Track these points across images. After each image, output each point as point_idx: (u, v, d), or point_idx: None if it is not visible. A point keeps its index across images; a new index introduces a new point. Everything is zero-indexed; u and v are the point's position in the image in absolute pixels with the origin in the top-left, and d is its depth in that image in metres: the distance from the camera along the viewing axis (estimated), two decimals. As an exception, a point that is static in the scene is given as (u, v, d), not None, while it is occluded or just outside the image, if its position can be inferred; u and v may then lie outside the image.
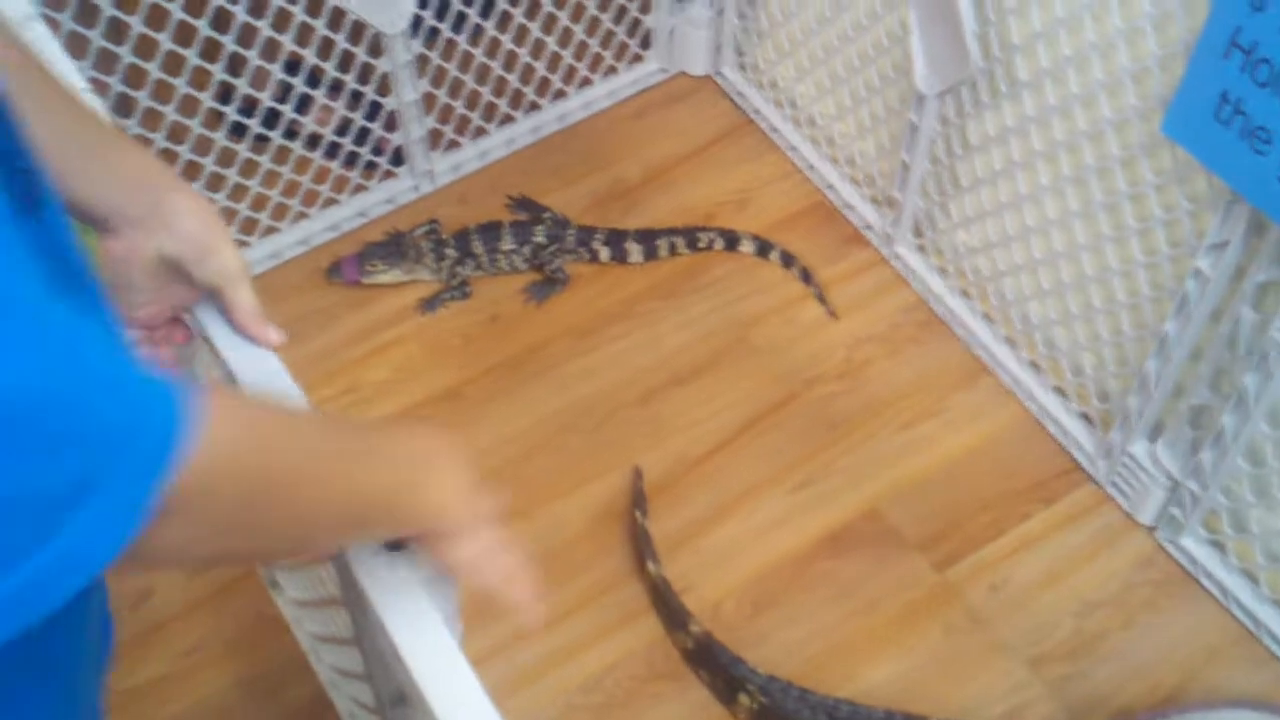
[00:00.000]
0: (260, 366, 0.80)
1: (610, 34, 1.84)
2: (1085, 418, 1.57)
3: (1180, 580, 1.48)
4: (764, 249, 1.75)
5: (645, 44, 1.91)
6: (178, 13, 1.43)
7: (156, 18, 1.42)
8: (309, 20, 1.53)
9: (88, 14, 1.40)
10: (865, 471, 1.57)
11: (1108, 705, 1.38)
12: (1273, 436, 1.29)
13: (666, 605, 1.43)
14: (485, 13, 1.70)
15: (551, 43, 1.77)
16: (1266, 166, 1.07)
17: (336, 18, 1.55)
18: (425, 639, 0.69)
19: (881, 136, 1.70)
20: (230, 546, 0.58)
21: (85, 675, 0.69)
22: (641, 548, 1.47)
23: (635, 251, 1.73)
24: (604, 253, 1.73)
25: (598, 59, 1.86)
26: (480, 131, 1.82)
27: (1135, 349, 1.45)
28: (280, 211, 1.71)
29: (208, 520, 0.53)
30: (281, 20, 1.52)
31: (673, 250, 1.74)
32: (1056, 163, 1.43)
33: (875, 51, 1.63)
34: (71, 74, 0.94)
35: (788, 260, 1.74)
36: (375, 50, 1.60)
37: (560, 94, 1.87)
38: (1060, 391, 1.59)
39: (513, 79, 1.79)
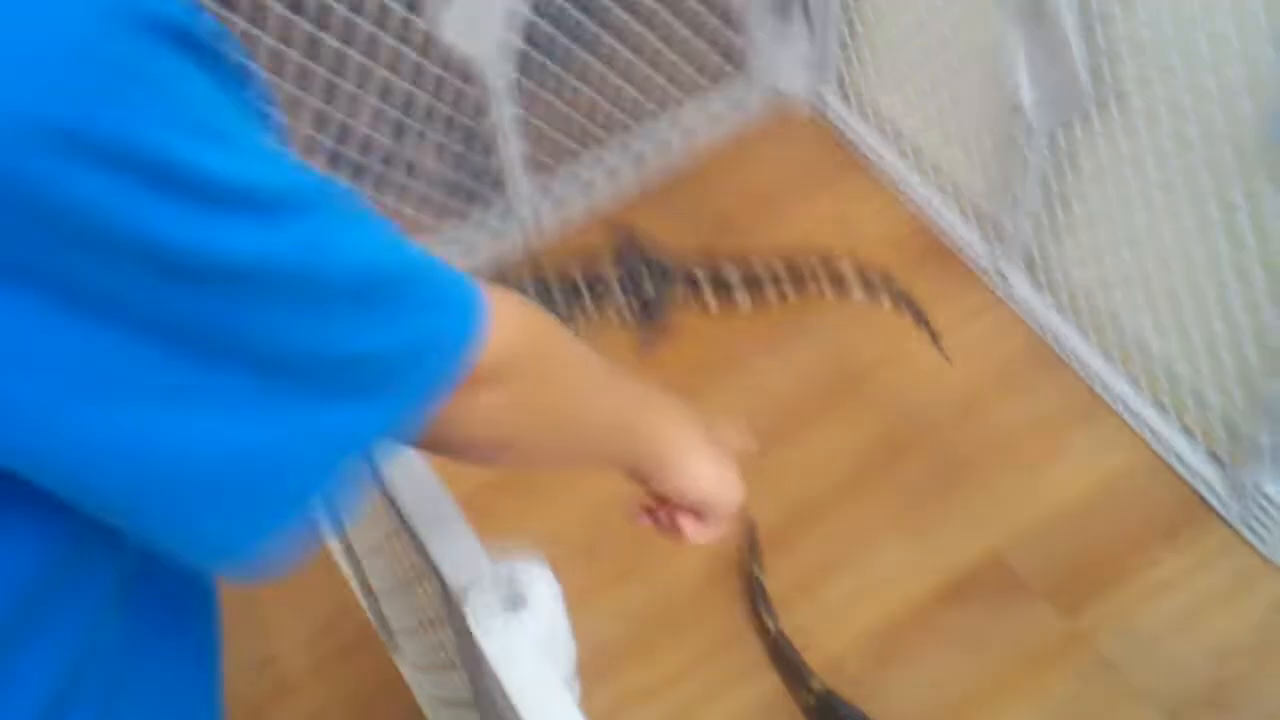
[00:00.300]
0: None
1: (704, 55, 1.83)
2: (1214, 456, 1.52)
3: (1323, 621, 1.42)
4: (874, 291, 1.73)
5: (740, 66, 1.89)
6: (270, 41, 1.48)
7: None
8: (402, 48, 1.56)
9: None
10: (986, 517, 1.53)
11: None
12: None
13: (786, 661, 1.41)
14: (576, 35, 1.71)
15: (643, 65, 1.77)
16: None
17: (429, 45, 1.58)
18: (544, 701, 0.68)
19: (991, 169, 1.67)
20: (522, 430, 0.67)
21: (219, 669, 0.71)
22: (758, 603, 1.46)
23: (744, 299, 1.73)
24: (711, 301, 1.73)
25: (691, 81, 1.85)
26: (576, 157, 1.81)
27: (1264, 382, 1.40)
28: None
29: (509, 392, 0.63)
30: (375, 49, 1.55)
31: (780, 294, 1.73)
32: (1175, 191, 1.39)
33: (986, 81, 1.60)
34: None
35: (899, 302, 1.72)
36: (468, 77, 1.62)
37: (654, 116, 1.85)
38: (1187, 429, 1.54)
39: (606, 102, 1.79)
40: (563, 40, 1.70)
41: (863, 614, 1.47)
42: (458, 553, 0.76)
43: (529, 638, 0.72)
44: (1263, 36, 1.20)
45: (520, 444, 0.68)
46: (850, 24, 1.81)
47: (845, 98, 1.90)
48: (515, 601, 0.73)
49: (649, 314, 1.72)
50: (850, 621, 1.46)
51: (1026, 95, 1.48)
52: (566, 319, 1.71)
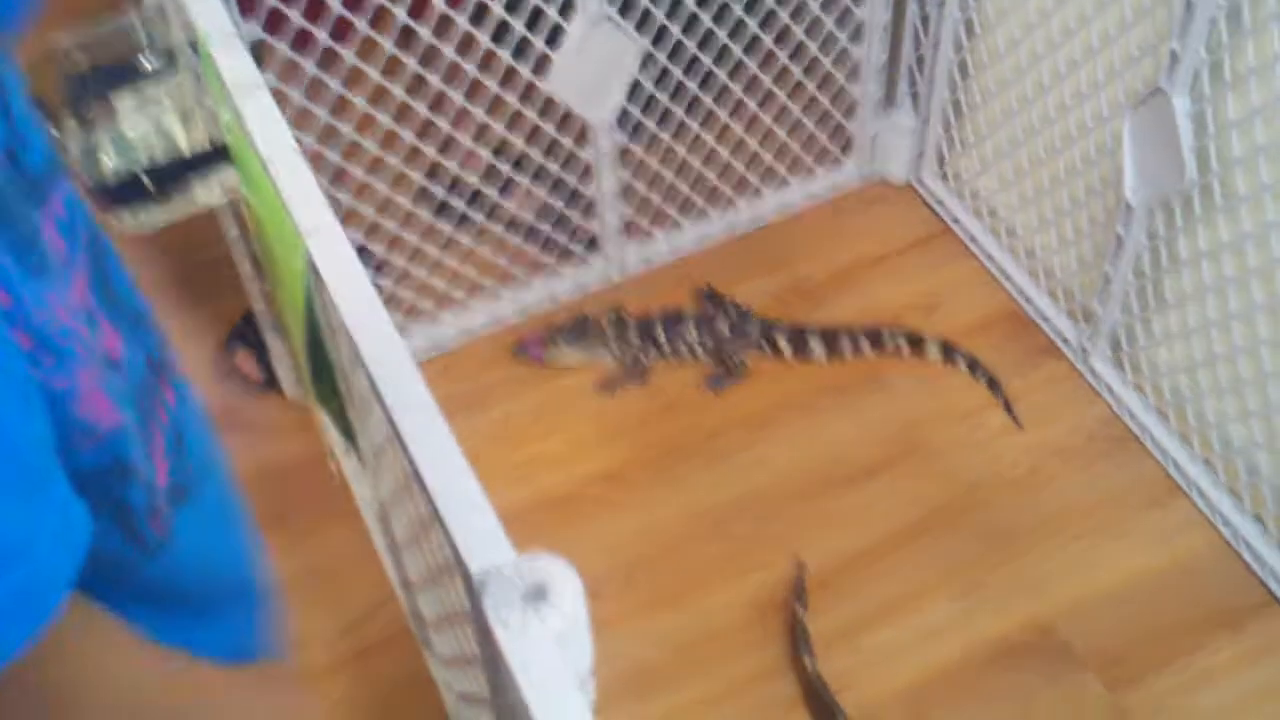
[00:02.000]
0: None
1: (812, 137, 1.87)
2: (1283, 548, 1.48)
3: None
4: (950, 354, 1.73)
5: (846, 149, 1.92)
6: (399, 93, 1.52)
7: (379, 96, 1.51)
8: (521, 108, 1.60)
9: (316, 89, 1.50)
10: (1040, 585, 1.51)
11: None
12: None
13: (820, 702, 1.40)
14: (690, 109, 1.75)
15: (753, 142, 1.81)
16: None
17: (547, 106, 1.62)
18: (557, 698, 0.69)
19: (1084, 249, 1.66)
20: None
21: None
22: (798, 642, 1.45)
23: (818, 349, 1.73)
24: (786, 348, 1.74)
25: (797, 160, 1.89)
26: (674, 224, 1.86)
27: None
28: (475, 289, 1.78)
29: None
30: (495, 106, 1.59)
31: (856, 349, 1.73)
32: (1272, 281, 1.37)
33: (1083, 164, 1.60)
34: (287, 140, 1.00)
35: (974, 366, 1.71)
36: (580, 139, 1.66)
37: (757, 193, 1.90)
38: (1260, 519, 1.51)
39: (711, 176, 1.83)
40: (677, 113, 1.73)
41: (904, 667, 1.45)
42: (482, 542, 0.77)
43: (547, 632, 0.72)
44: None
45: None
46: (956, 105, 1.81)
47: (944, 177, 1.91)
48: (536, 595, 0.74)
49: (723, 353, 1.74)
50: (890, 673, 1.45)
51: (1129, 176, 1.47)
52: (640, 353, 1.73)
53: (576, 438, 1.69)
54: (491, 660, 0.79)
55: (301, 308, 0.96)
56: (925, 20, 1.75)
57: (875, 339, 1.73)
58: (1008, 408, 1.68)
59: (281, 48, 1.45)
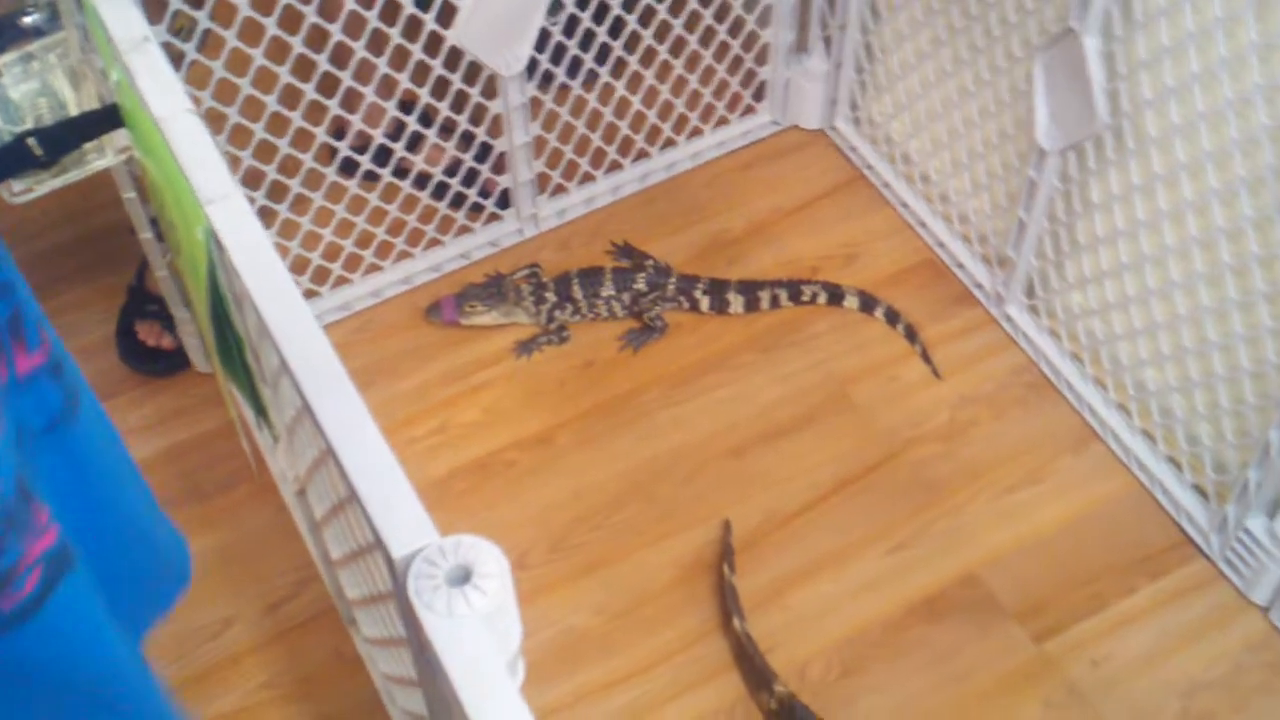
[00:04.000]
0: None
1: (724, 85, 1.84)
2: (1199, 490, 1.50)
3: (1296, 665, 1.40)
4: (868, 305, 1.72)
5: (759, 96, 1.90)
6: (298, 46, 1.46)
7: (277, 50, 1.45)
8: (426, 59, 1.55)
9: (213, 45, 1.43)
10: (964, 536, 1.52)
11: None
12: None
13: (750, 664, 1.40)
14: (600, 59, 1.71)
15: (665, 91, 1.77)
16: None
17: (453, 58, 1.57)
18: (484, 681, 0.67)
19: (998, 194, 1.66)
20: None
21: None
22: (728, 603, 1.44)
23: (736, 302, 1.71)
24: (704, 302, 1.72)
25: (710, 109, 1.86)
26: (587, 177, 1.83)
27: (1257, 419, 1.38)
28: (385, 249, 1.73)
29: None
30: (398, 58, 1.54)
31: (775, 302, 1.72)
32: (1184, 223, 1.38)
33: (996, 107, 1.59)
34: (182, 101, 0.95)
35: (892, 317, 1.71)
36: (489, 92, 1.62)
37: (670, 143, 1.87)
38: (1174, 462, 1.53)
39: (623, 127, 1.79)
40: (586, 61, 1.69)
41: (833, 623, 1.45)
42: (404, 525, 0.74)
43: (473, 614, 0.70)
44: None
45: None
46: (868, 49, 1.79)
47: (857, 123, 1.89)
48: (461, 577, 0.71)
49: (641, 310, 1.71)
50: (819, 630, 1.45)
51: (1040, 118, 1.46)
52: (558, 312, 1.70)
53: (495, 402, 1.65)
54: (418, 643, 0.76)
55: (204, 279, 0.91)
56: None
57: (794, 291, 1.72)
58: (926, 358, 1.68)
59: None
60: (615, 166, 1.84)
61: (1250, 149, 1.25)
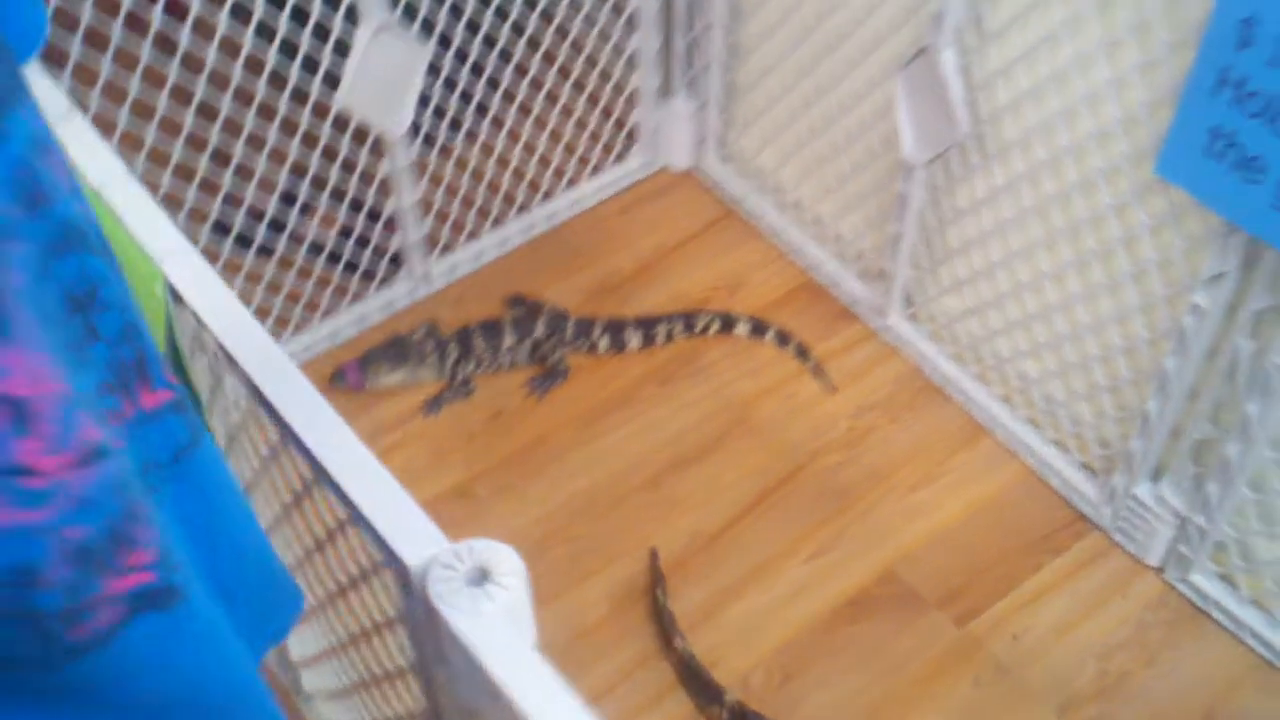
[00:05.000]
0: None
1: (597, 133, 1.90)
2: (1087, 467, 1.60)
3: (1193, 616, 1.50)
4: (759, 329, 1.79)
5: (631, 141, 1.97)
6: (188, 120, 1.47)
7: (168, 126, 1.46)
8: (314, 126, 1.58)
9: (107, 126, 1.43)
10: (876, 536, 1.59)
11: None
12: (1277, 460, 1.33)
13: (696, 680, 1.43)
14: (479, 116, 1.76)
15: (541, 144, 1.83)
16: (1261, 195, 1.13)
17: (340, 122, 1.59)
18: (522, 665, 0.70)
19: (870, 211, 1.75)
20: None
21: None
22: (666, 627, 1.48)
23: (634, 339, 1.77)
24: (603, 343, 1.77)
25: (585, 158, 1.92)
26: (474, 234, 1.86)
27: (1134, 392, 1.49)
28: (283, 321, 1.73)
29: None
30: (287, 125, 1.56)
31: (670, 336, 1.78)
32: (1048, 217, 1.48)
33: (860, 129, 1.69)
34: (117, 166, 0.96)
35: (783, 339, 1.78)
36: (375, 153, 1.65)
37: (549, 194, 1.92)
38: (1060, 444, 1.63)
39: (505, 181, 1.84)
40: (465, 119, 1.74)
41: (767, 633, 1.50)
42: (415, 534, 0.77)
43: (499, 609, 0.73)
44: (1135, 72, 1.30)
45: None
46: (731, 87, 1.88)
47: (727, 159, 1.98)
48: (480, 577, 0.74)
49: (542, 357, 1.75)
50: (755, 641, 1.50)
51: (905, 134, 1.56)
52: (461, 367, 1.72)
53: (409, 461, 1.67)
54: (436, 655, 0.78)
55: (163, 338, 0.92)
56: (693, 5, 1.81)
57: (688, 324, 1.78)
58: (819, 373, 1.75)
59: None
60: (500, 220, 1.89)
61: (1105, 141, 1.37)
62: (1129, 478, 1.51)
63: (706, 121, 1.94)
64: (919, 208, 1.63)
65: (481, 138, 1.79)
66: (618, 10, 1.79)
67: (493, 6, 1.67)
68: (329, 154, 1.62)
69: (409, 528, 0.78)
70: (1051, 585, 1.54)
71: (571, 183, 1.94)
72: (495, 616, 0.73)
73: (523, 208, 1.90)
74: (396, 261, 1.80)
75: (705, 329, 1.79)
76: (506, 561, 0.75)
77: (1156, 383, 1.40)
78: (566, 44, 1.77)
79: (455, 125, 1.74)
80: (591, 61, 1.82)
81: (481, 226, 1.87)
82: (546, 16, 1.74)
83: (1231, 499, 1.39)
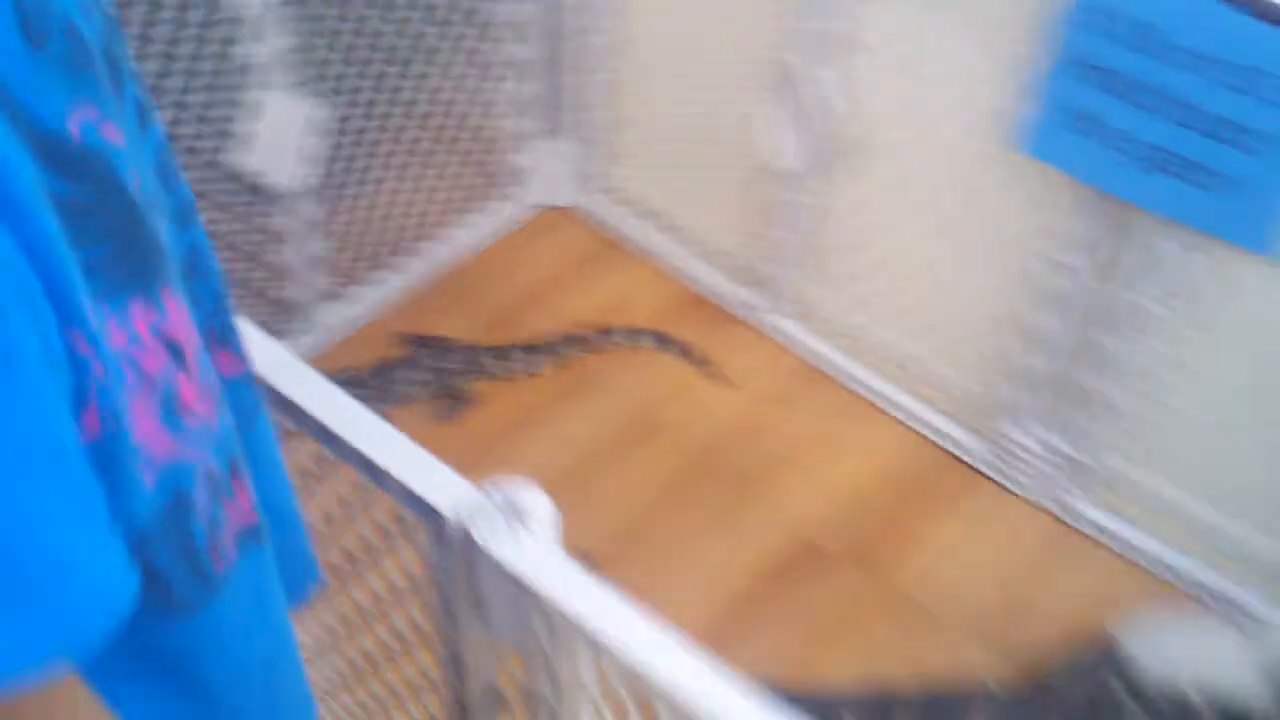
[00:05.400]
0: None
1: (485, 174, 1.99)
2: (966, 423, 1.76)
3: (1079, 540, 1.68)
4: (661, 341, 1.90)
5: (516, 181, 2.06)
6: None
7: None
8: (208, 183, 1.62)
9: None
10: (789, 508, 1.71)
11: (1047, 654, 1.55)
12: (1140, 391, 1.50)
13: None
14: (366, 166, 1.83)
15: (427, 189, 1.91)
16: (1129, 163, 1.30)
17: (233, 178, 1.64)
18: (581, 587, 0.77)
19: (753, 222, 1.86)
20: None
21: None
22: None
23: (540, 362, 1.86)
24: (495, 366, 1.85)
25: (470, 200, 2.01)
26: (370, 281, 1.92)
27: (991, 342, 1.65)
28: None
29: None
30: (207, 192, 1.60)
31: (569, 355, 1.88)
32: (924, 212, 1.63)
33: (739, 154, 1.79)
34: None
35: (682, 349, 1.90)
36: (268, 208, 1.70)
37: (437, 238, 1.99)
38: (940, 407, 1.78)
39: (395, 226, 1.91)
40: (355, 171, 1.80)
41: (699, 612, 1.60)
42: (444, 484, 0.84)
43: (538, 542, 0.80)
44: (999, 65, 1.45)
45: None
46: (615, 123, 1.99)
47: (609, 191, 2.08)
48: (516, 513, 0.81)
49: (447, 387, 1.81)
50: (689, 621, 1.56)
51: (784, 148, 1.69)
52: (378, 405, 1.77)
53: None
54: (475, 599, 0.85)
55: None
56: (572, 53, 1.92)
57: (595, 342, 1.89)
58: (712, 374, 1.87)
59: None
60: (394, 267, 1.95)
61: (972, 132, 1.53)
62: (1001, 423, 1.67)
63: (589, 158, 2.04)
64: (797, 215, 1.77)
65: (372, 189, 1.85)
66: (506, 62, 1.89)
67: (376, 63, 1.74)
68: (225, 209, 1.67)
69: (437, 479, 0.85)
70: (958, 533, 1.69)
71: (459, 226, 2.01)
72: (539, 547, 0.80)
73: (413, 253, 1.97)
74: (293, 313, 1.84)
75: (601, 345, 1.89)
76: (534, 496, 0.83)
77: (1025, 337, 1.56)
78: (449, 93, 1.85)
79: (346, 177, 1.80)
80: (473, 106, 1.90)
81: (376, 275, 1.93)
82: (428, 68, 1.82)
83: (1101, 430, 1.56)
